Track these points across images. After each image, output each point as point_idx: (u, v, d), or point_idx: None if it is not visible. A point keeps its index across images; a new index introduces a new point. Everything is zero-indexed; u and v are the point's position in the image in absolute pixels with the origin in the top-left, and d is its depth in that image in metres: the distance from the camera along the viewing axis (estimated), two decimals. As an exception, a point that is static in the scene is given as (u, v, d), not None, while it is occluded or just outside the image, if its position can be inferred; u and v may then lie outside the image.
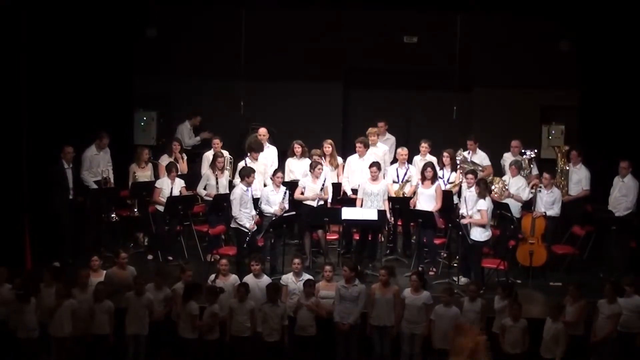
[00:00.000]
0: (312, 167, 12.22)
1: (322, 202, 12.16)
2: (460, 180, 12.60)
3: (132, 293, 10.01)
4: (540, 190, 12.11)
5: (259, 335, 9.97)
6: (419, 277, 10.19)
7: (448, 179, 12.73)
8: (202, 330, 9.87)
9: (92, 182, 12.67)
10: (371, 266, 11.90)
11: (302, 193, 12.20)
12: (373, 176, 11.99)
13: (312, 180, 12.19)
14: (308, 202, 12.15)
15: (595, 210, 12.62)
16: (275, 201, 11.87)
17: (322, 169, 12.23)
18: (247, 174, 11.78)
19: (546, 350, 9.75)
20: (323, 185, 12.19)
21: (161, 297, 10.16)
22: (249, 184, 11.73)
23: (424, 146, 13.02)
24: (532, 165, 12.99)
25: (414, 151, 13.19)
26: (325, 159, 12.86)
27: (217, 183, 12.54)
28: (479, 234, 11.36)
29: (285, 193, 11.93)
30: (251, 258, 10.69)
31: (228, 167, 13.11)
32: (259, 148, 12.92)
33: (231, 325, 9.97)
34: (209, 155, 13.24)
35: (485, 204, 11.35)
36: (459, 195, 12.33)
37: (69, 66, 12.65)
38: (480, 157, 13.15)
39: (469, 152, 13.12)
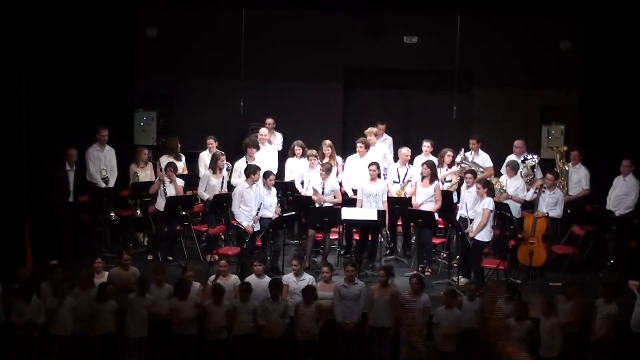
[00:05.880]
0: (326, 169, 12.20)
1: (329, 204, 12.16)
2: (458, 180, 12.61)
3: (134, 295, 9.97)
4: (544, 191, 12.11)
5: (261, 334, 9.97)
6: (419, 280, 10.19)
7: (445, 178, 12.73)
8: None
9: (100, 179, 12.66)
10: (371, 266, 11.90)
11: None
12: (372, 175, 11.98)
13: (321, 183, 12.20)
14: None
15: (595, 210, 12.63)
16: (270, 204, 11.89)
17: (329, 173, 12.26)
18: (252, 172, 11.80)
19: (544, 349, 9.73)
20: (324, 189, 12.21)
21: (165, 295, 10.11)
22: (253, 182, 11.73)
23: (426, 145, 13.01)
24: (535, 170, 12.95)
25: (414, 151, 13.19)
26: (323, 159, 12.83)
27: (222, 184, 12.52)
28: (483, 234, 11.36)
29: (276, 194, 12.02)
30: (253, 258, 10.70)
31: (227, 167, 13.11)
32: (254, 145, 12.94)
33: (234, 325, 9.96)
34: (204, 155, 13.24)
35: (490, 204, 11.34)
36: (458, 195, 12.33)
37: (68, 66, 12.66)
38: (482, 159, 13.11)
39: (471, 153, 13.11)
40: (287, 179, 13.18)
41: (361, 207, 11.91)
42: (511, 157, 13.02)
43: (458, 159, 12.87)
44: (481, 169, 12.83)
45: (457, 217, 11.86)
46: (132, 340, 9.89)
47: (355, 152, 12.98)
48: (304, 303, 9.99)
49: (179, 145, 13.25)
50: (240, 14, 14.64)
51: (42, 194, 11.99)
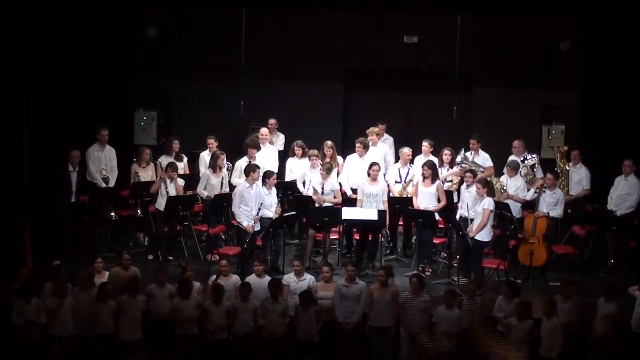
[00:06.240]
0: (327, 169, 12.19)
1: (329, 204, 12.16)
2: (458, 180, 12.61)
3: (126, 296, 9.90)
4: (544, 191, 12.11)
5: (261, 334, 9.97)
6: (419, 280, 10.18)
7: (445, 179, 12.73)
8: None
9: (100, 179, 12.65)
10: (371, 266, 11.90)
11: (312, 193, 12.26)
12: (374, 175, 11.97)
13: (321, 182, 12.19)
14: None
15: (595, 210, 12.63)
16: (270, 203, 11.89)
17: (330, 173, 12.25)
18: (252, 170, 11.79)
19: (544, 349, 9.71)
20: (323, 189, 12.20)
21: (166, 294, 10.09)
22: (254, 181, 11.73)
23: (425, 145, 13.01)
24: (535, 169, 12.95)
25: (414, 151, 13.18)
26: (324, 160, 12.83)
27: (221, 183, 12.51)
28: (483, 234, 11.35)
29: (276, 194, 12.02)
30: (254, 258, 10.70)
31: (227, 167, 13.11)
32: (254, 145, 12.93)
33: (234, 325, 9.95)
34: (204, 155, 13.24)
35: (490, 203, 11.33)
36: (459, 195, 12.33)
37: (69, 66, 12.65)
38: (483, 159, 13.11)
39: (471, 152, 13.10)
40: (287, 179, 13.18)
41: (361, 207, 11.91)
42: (512, 157, 13.03)
43: (458, 159, 12.87)
44: (481, 169, 12.82)
45: (457, 217, 11.86)
46: (127, 342, 9.87)
47: (354, 151, 12.99)
48: (302, 308, 10.00)
49: (176, 146, 13.22)
50: (240, 14, 14.64)
51: (43, 194, 11.99)
